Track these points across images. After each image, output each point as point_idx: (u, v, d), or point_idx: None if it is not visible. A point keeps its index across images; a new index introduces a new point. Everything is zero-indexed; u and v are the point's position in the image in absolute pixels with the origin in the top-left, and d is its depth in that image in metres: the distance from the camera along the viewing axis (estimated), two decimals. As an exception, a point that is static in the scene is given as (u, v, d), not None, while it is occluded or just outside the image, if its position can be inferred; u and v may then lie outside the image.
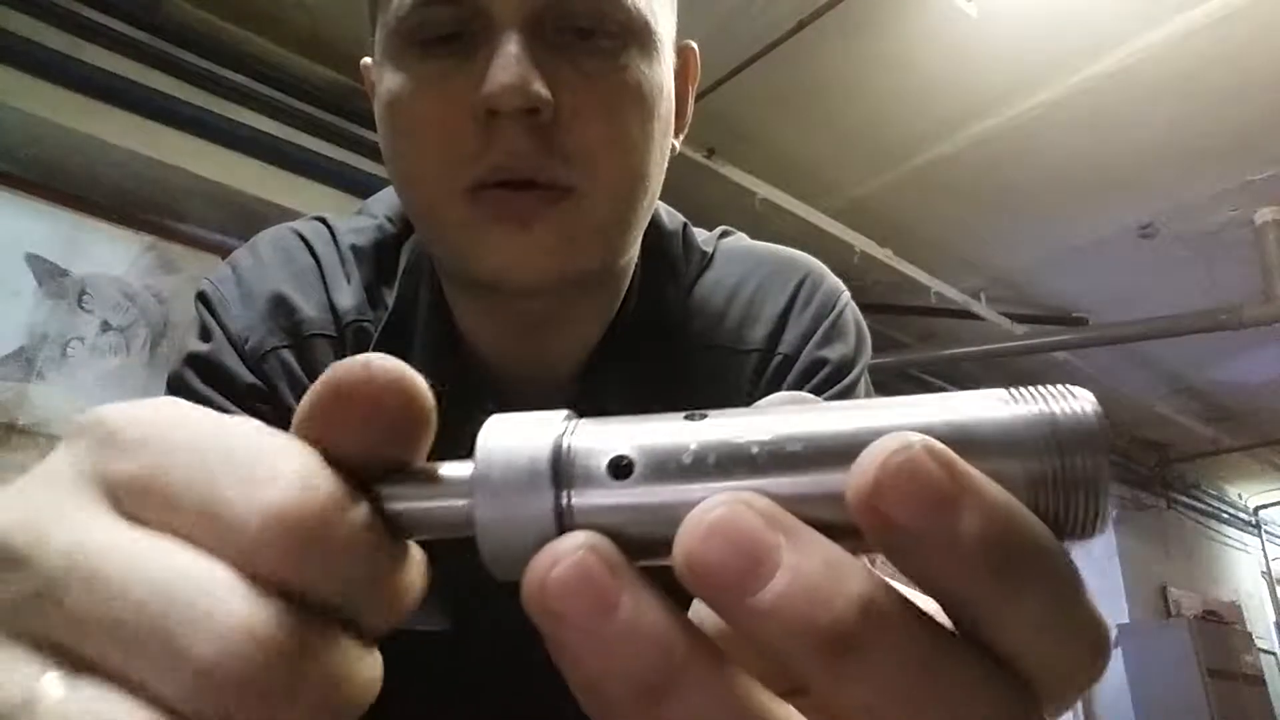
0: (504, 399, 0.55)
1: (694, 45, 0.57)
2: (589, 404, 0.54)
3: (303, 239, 0.58)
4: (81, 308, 2.13)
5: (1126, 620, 4.94)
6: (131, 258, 2.23)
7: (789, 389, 0.55)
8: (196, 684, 0.15)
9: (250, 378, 0.52)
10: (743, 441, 0.17)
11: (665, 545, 0.17)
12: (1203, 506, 5.96)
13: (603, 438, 0.18)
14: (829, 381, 0.55)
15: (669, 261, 0.59)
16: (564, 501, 0.18)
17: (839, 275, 0.62)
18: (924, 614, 0.16)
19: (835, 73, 2.48)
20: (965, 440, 0.17)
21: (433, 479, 0.19)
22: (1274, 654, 5.69)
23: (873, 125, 2.71)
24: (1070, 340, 3.64)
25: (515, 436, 0.18)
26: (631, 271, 0.56)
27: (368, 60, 0.53)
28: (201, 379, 0.52)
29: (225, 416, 0.19)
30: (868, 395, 0.59)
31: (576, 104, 0.45)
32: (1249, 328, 3.08)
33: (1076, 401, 0.17)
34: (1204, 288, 3.39)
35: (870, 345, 0.60)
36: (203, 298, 0.55)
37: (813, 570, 0.15)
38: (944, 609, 0.17)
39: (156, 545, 0.17)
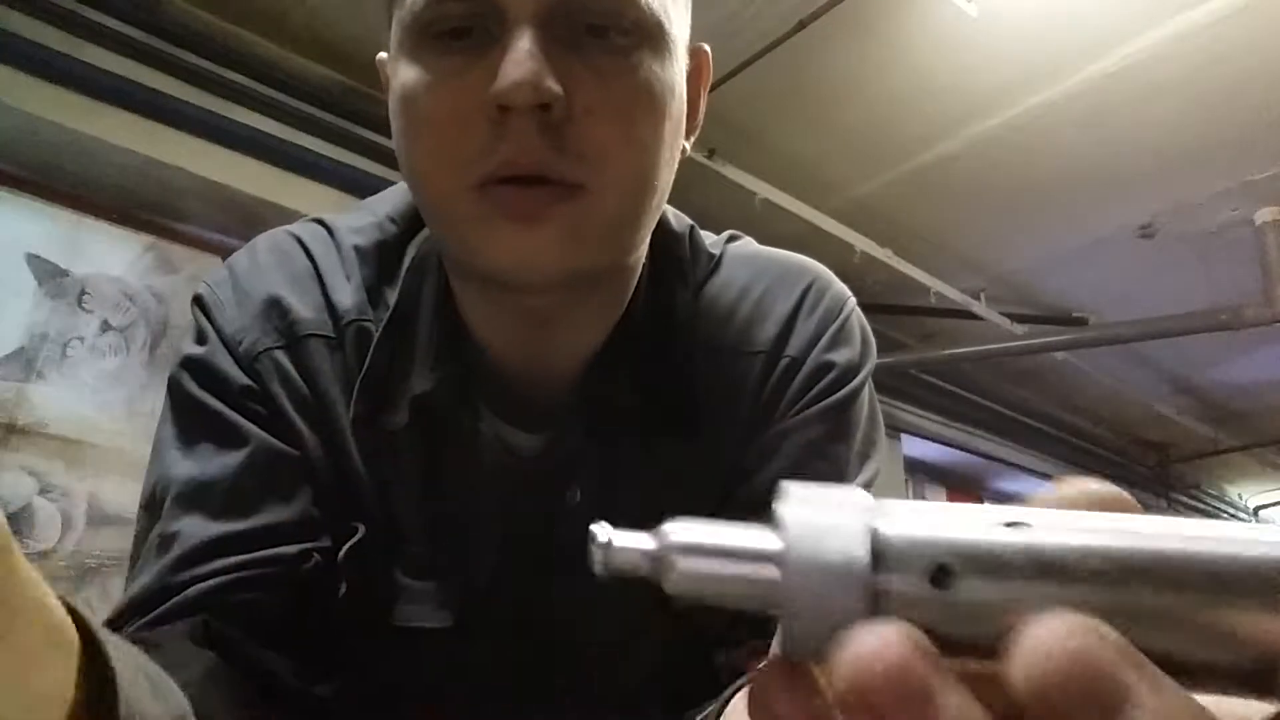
0: (509, 396, 0.55)
1: (707, 48, 0.57)
2: (595, 402, 0.54)
3: (300, 242, 0.58)
4: (81, 308, 2.12)
5: (1126, 620, 4.94)
6: (131, 258, 2.22)
7: (796, 392, 0.55)
8: None
9: (244, 379, 0.52)
10: (1078, 555, 0.17)
11: (979, 648, 0.16)
12: (1203, 506, 5.96)
13: (919, 529, 0.17)
14: (835, 385, 0.56)
15: (676, 262, 0.59)
16: (879, 590, 0.17)
17: (839, 275, 0.62)
18: None
19: (835, 73, 2.48)
20: None
21: (734, 544, 0.18)
22: (1273, 653, 5.68)
23: (873, 125, 2.71)
24: (1070, 340, 3.64)
25: (823, 515, 0.18)
26: (639, 271, 0.56)
27: (383, 55, 0.53)
28: (197, 382, 0.52)
29: None
30: (870, 401, 0.59)
31: (588, 101, 0.45)
32: (1249, 328, 3.08)
33: None
34: (1204, 288, 3.38)
35: (875, 351, 0.61)
36: (199, 301, 0.56)
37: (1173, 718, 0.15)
38: None
39: None
